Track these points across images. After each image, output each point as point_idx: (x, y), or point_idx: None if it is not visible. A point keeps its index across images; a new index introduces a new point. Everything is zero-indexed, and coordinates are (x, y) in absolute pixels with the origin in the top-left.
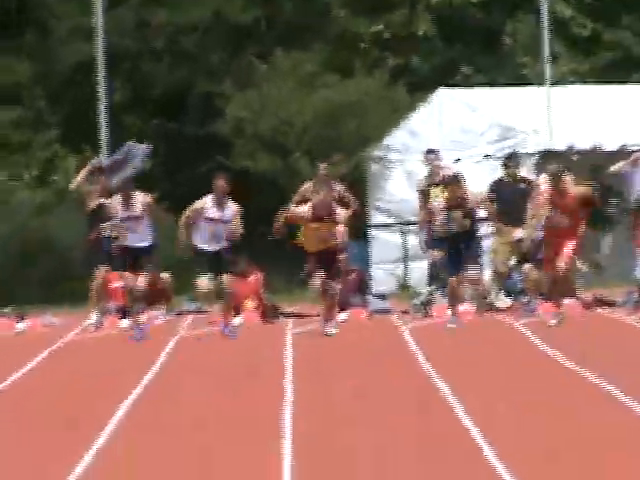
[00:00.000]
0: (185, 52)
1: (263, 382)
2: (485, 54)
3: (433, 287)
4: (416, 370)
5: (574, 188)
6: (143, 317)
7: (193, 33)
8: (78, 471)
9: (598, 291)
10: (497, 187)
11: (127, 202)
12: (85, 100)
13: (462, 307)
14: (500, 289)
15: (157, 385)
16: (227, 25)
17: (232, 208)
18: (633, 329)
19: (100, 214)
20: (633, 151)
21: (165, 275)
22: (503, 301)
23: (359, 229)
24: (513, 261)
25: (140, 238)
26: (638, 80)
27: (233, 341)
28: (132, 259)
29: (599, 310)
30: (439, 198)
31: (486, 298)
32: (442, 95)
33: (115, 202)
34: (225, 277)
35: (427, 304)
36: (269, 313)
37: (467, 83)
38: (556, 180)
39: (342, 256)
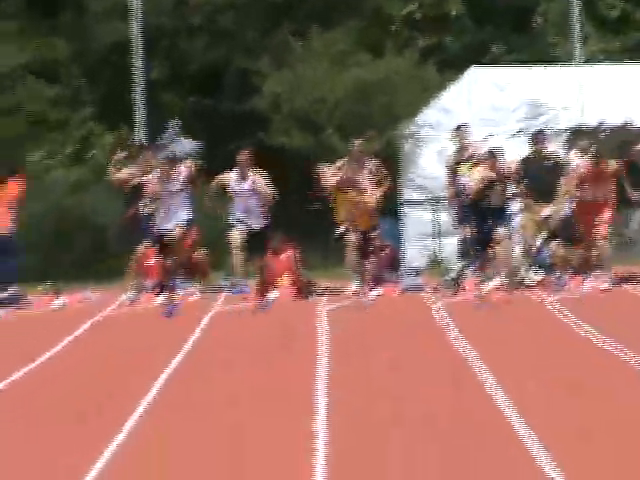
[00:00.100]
0: (222, 30)
1: (297, 357)
2: (516, 34)
3: (464, 263)
4: (448, 345)
5: (609, 164)
6: (178, 293)
7: (230, 10)
8: (111, 449)
9: (628, 267)
10: (525, 164)
11: (167, 177)
12: (122, 78)
13: (492, 283)
14: (530, 265)
15: (190, 361)
16: (264, 2)
17: (253, 179)
18: None
19: (140, 191)
20: None
21: (201, 251)
22: (533, 277)
23: (391, 206)
24: (542, 237)
25: (176, 213)
26: None
27: (267, 317)
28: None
29: (627, 286)
30: (469, 174)
31: (516, 274)
32: (473, 73)
33: (153, 178)
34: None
35: (458, 280)
36: (304, 289)
37: (498, 62)
38: (594, 156)
39: (374, 234)
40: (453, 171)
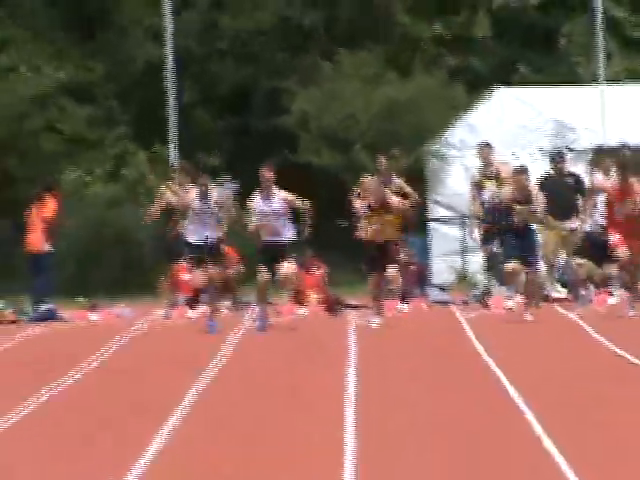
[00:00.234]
0: (249, 53)
1: (326, 369)
2: (541, 54)
3: (489, 279)
4: (475, 358)
5: (633, 181)
6: (221, 309)
7: (257, 35)
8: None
9: None
10: (545, 182)
11: (204, 196)
12: (154, 99)
13: (518, 298)
14: (555, 280)
15: (224, 370)
16: (290, 27)
17: (280, 196)
18: None
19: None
20: None
21: (235, 268)
22: (558, 292)
23: (419, 223)
24: (564, 253)
25: (212, 232)
26: None
27: (298, 330)
28: (206, 252)
29: None
30: (492, 191)
31: (542, 289)
32: (500, 93)
33: (192, 195)
34: (288, 266)
35: (484, 295)
36: (332, 305)
37: (524, 82)
38: (621, 174)
39: (397, 245)
40: (478, 186)
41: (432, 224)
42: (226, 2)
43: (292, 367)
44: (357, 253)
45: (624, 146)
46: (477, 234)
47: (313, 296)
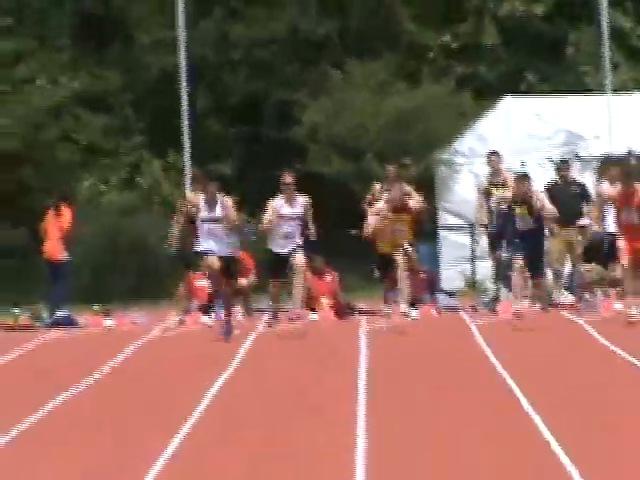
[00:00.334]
0: (261, 63)
1: (337, 371)
2: (549, 63)
3: (498, 285)
4: (485, 362)
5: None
6: (235, 315)
7: (269, 45)
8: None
9: None
10: (550, 190)
11: (211, 204)
12: (168, 108)
13: (526, 304)
14: (562, 287)
15: (237, 375)
16: (301, 38)
17: (301, 201)
18: None
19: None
20: None
21: (248, 276)
22: (565, 298)
23: (428, 230)
24: (570, 260)
25: (221, 241)
26: None
27: (309, 334)
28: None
29: None
30: (500, 196)
31: (550, 295)
32: (508, 102)
33: (200, 202)
34: (299, 257)
35: (493, 301)
36: (344, 311)
37: (531, 90)
38: (626, 181)
39: (409, 250)
40: (485, 194)
41: (442, 231)
42: (241, 12)
43: (303, 371)
44: (367, 260)
45: (630, 154)
46: (484, 241)
47: (325, 302)
